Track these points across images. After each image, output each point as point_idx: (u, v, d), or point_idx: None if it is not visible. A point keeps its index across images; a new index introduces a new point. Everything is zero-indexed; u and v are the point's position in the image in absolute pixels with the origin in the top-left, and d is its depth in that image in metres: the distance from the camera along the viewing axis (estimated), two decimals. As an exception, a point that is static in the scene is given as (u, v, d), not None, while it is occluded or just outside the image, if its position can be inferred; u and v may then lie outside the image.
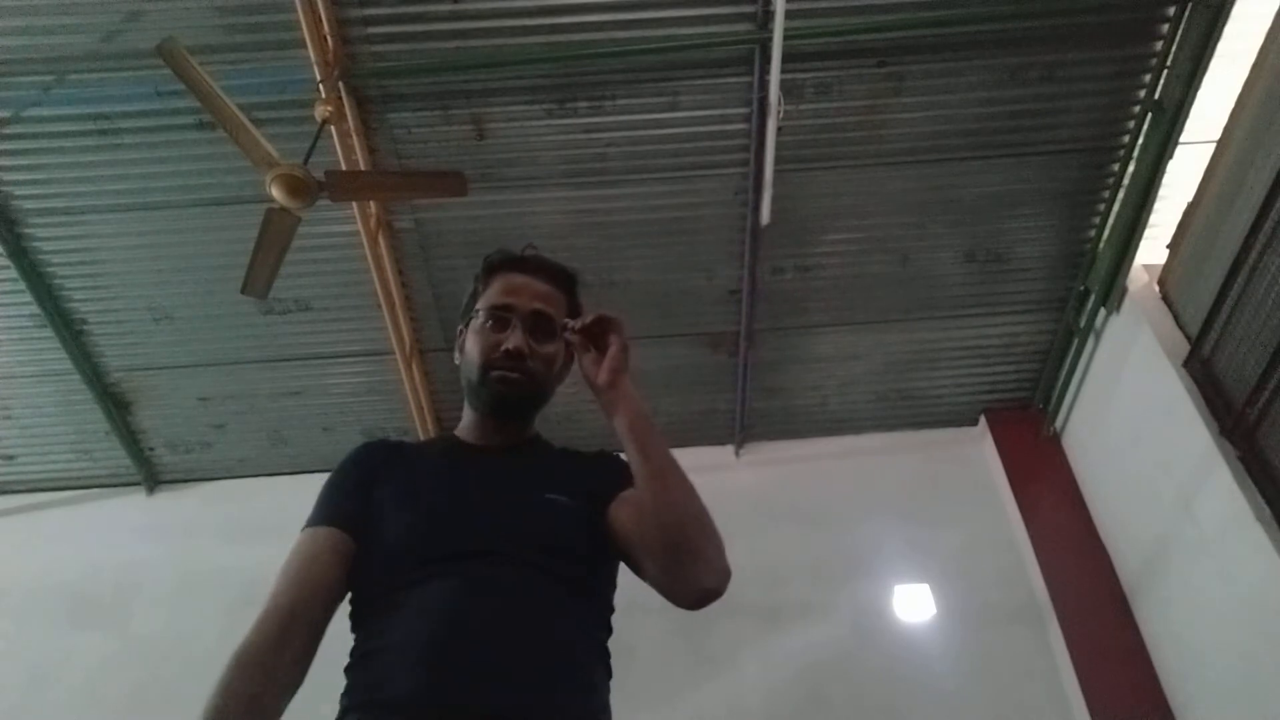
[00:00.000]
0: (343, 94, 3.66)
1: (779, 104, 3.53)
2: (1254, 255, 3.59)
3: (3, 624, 4.74)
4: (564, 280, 1.42)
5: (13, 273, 4.22)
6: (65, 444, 5.10)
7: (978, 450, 5.20)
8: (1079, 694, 4.07)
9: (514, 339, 1.32)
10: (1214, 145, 3.94)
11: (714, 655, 4.38)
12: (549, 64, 3.73)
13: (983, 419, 5.21)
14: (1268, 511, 3.47)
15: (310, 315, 4.56)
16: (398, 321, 4.49)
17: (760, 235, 4.23)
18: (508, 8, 3.57)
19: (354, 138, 3.83)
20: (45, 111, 3.74)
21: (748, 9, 3.62)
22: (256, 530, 4.77)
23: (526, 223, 4.19)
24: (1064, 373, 4.89)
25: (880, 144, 4.05)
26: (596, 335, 1.27)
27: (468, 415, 1.41)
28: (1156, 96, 3.82)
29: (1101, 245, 4.38)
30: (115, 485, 5.27)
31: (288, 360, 4.77)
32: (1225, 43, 3.53)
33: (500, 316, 1.35)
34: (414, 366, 4.72)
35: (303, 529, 1.27)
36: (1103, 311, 4.51)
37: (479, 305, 1.39)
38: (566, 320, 1.32)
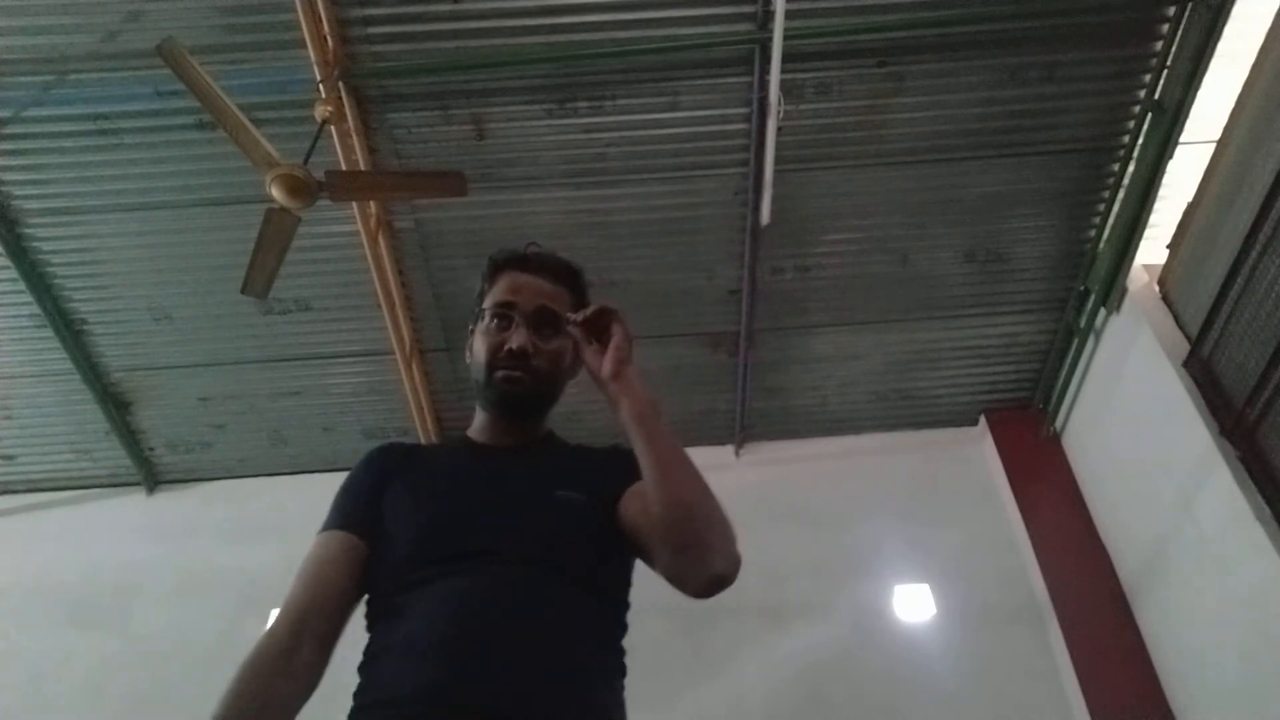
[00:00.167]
0: (343, 94, 3.66)
1: (779, 104, 3.53)
2: (1254, 255, 3.59)
3: (3, 624, 4.73)
4: (568, 276, 1.41)
5: (13, 273, 4.22)
6: (65, 444, 5.10)
7: (978, 450, 5.20)
8: (1079, 694, 4.07)
9: (517, 338, 1.31)
10: (1214, 145, 3.95)
11: (714, 655, 4.38)
12: (549, 64, 3.73)
13: (983, 419, 5.21)
14: (1268, 511, 3.47)
15: (310, 315, 4.56)
16: (398, 321, 4.48)
17: (760, 235, 4.23)
18: (508, 8, 3.57)
19: (354, 138, 3.83)
20: (45, 111, 3.74)
21: (748, 9, 3.62)
22: (256, 530, 4.83)
23: (526, 223, 4.18)
24: (1064, 373, 4.89)
25: (880, 144, 4.05)
26: (599, 327, 1.26)
27: (479, 415, 1.41)
28: (1156, 96, 3.83)
29: (1101, 245, 4.38)
30: (115, 485, 5.27)
31: (288, 360, 4.77)
32: (1225, 43, 3.53)
33: (504, 315, 1.34)
34: (414, 366, 4.71)
35: (317, 533, 1.28)
36: (1103, 311, 4.51)
37: (484, 304, 1.38)
38: (568, 314, 1.31)
